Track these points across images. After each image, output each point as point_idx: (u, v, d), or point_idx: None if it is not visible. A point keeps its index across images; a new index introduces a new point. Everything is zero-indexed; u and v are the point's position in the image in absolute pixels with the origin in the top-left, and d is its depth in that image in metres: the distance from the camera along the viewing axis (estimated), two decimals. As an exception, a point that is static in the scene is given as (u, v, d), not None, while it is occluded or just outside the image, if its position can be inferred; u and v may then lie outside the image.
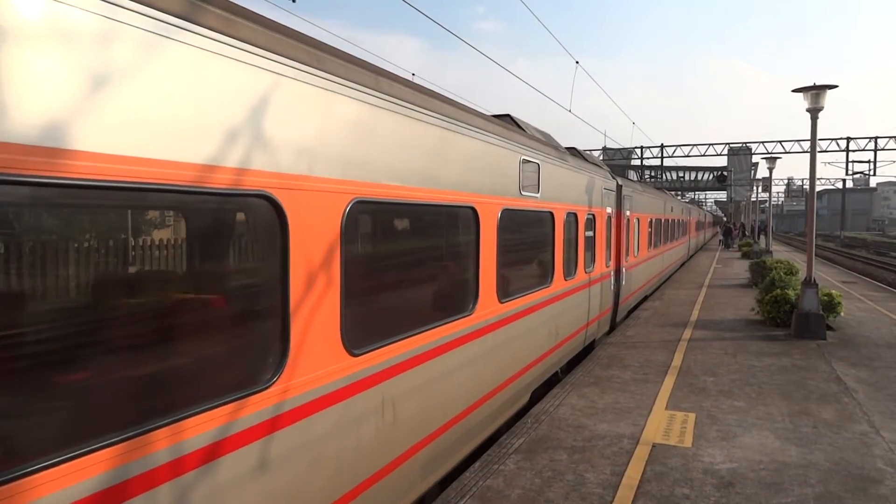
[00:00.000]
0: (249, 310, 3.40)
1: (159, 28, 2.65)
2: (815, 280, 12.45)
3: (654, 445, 6.49)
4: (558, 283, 8.74)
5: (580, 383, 8.91)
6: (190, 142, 2.81)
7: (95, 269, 2.75)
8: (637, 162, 49.30)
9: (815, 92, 12.04)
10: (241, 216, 3.47)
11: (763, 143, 46.01)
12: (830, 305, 13.05)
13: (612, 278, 12.82)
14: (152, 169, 2.64)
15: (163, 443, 2.70)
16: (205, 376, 3.14)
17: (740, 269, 27.88)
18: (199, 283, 3.20)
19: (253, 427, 3.21)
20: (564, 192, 9.03)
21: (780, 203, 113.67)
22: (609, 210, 12.37)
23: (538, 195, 7.81)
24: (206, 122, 2.90)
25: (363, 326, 4.25)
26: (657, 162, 48.98)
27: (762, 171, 41.53)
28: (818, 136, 12.65)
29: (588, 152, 13.99)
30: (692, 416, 7.46)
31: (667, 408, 7.77)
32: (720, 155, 47.95)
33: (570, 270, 9.37)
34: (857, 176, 51.92)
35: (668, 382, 8.96)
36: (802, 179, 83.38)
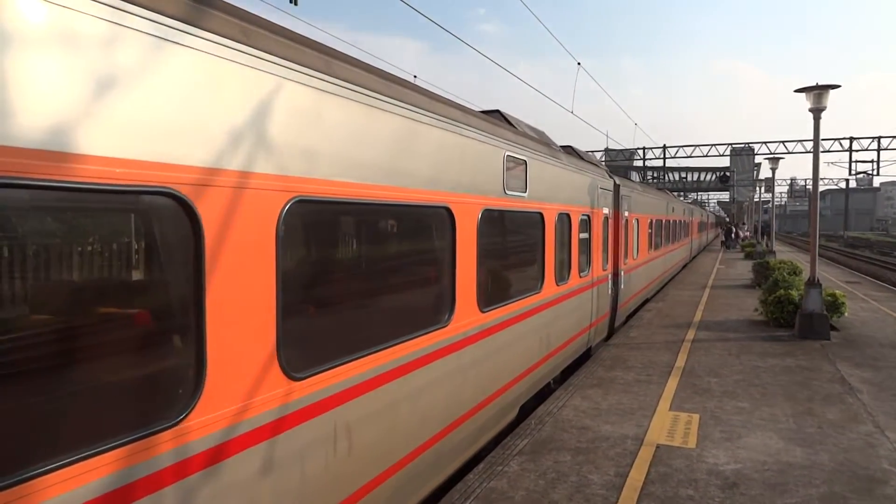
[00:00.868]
0: (147, 333, 2.83)
1: None
2: (818, 280, 12.42)
3: (658, 447, 6.48)
4: (549, 288, 8.22)
5: (583, 385, 8.90)
6: (66, 126, 2.31)
7: None
8: (640, 163, 49.29)
9: (818, 92, 12.02)
10: (136, 219, 2.86)
11: (766, 143, 46.01)
12: (834, 306, 13.02)
13: (610, 282, 12.37)
14: (9, 159, 2.14)
15: None
16: (84, 417, 2.54)
17: (743, 269, 27.82)
18: (78, 302, 2.61)
19: (155, 474, 2.65)
20: (556, 191, 8.55)
21: (783, 203, 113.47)
22: (606, 211, 11.92)
23: (525, 194, 7.29)
24: (88, 101, 2.38)
25: (309, 346, 3.78)
26: (660, 163, 48.99)
27: (765, 172, 41.47)
28: (821, 136, 12.64)
29: (589, 152, 13.90)
30: (696, 417, 7.44)
31: (671, 409, 7.76)
32: (723, 155, 47.99)
33: (562, 275, 8.88)
34: (861, 176, 51.79)
35: (672, 383, 8.94)
36: (805, 179, 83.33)
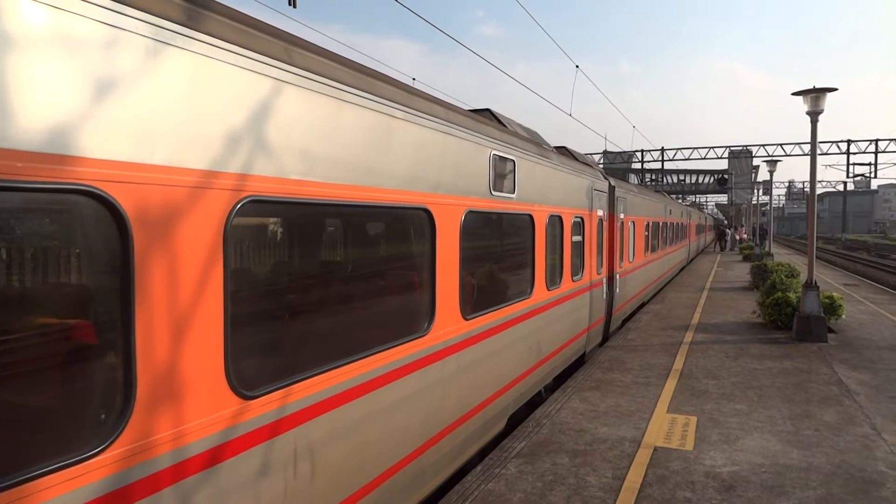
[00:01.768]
0: (60, 351, 2.52)
1: None
2: (816, 283, 12.45)
3: (655, 449, 6.49)
4: (540, 293, 7.93)
5: (581, 387, 8.91)
6: None
7: None
8: (638, 165, 49.38)
9: (815, 95, 12.06)
10: (49, 220, 2.58)
11: (763, 145, 46.14)
12: (832, 308, 13.05)
13: (605, 286, 12.08)
14: None
15: None
16: None
17: (741, 272, 27.86)
18: None
19: None
20: (547, 192, 8.24)
21: (780, 206, 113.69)
22: (601, 213, 11.62)
23: (514, 195, 6.97)
24: None
25: (264, 361, 3.52)
26: (658, 165, 49.09)
27: (763, 174, 41.59)
28: (819, 139, 12.67)
29: (587, 154, 13.84)
30: (693, 419, 7.45)
31: (668, 411, 7.77)
32: (721, 158, 48.09)
33: (553, 279, 8.58)
34: (858, 178, 51.94)
35: (670, 386, 8.95)
36: (803, 182, 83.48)
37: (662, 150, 47.83)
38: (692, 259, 37.09)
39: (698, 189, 55.27)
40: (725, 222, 75.58)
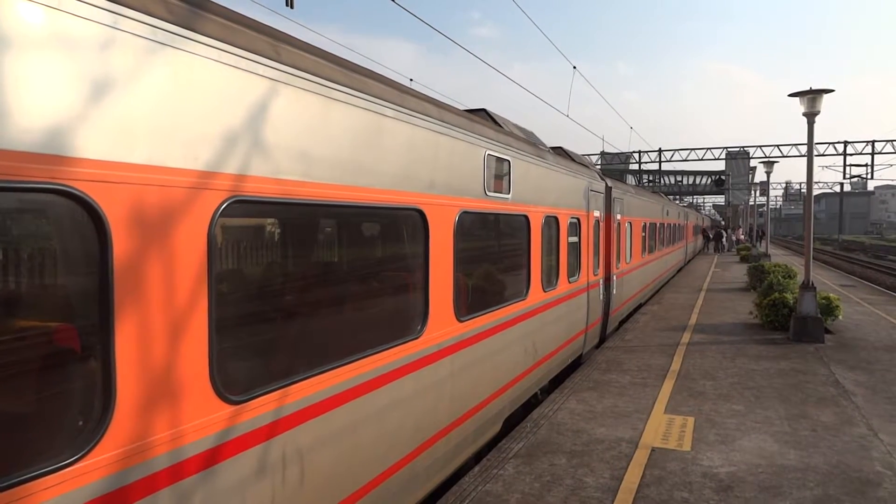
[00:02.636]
0: (36, 356, 2.47)
1: None
2: (813, 283, 12.47)
3: (653, 449, 6.49)
4: (535, 294, 7.86)
5: (579, 388, 8.91)
6: None
7: None
8: (635, 166, 49.45)
9: (812, 96, 12.09)
10: (25, 221, 2.51)
11: (761, 147, 46.24)
12: (828, 309, 13.08)
13: (602, 287, 12.04)
14: None
15: None
16: None
17: (739, 272, 27.91)
18: None
19: None
20: (543, 193, 8.18)
21: (777, 207, 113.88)
22: (597, 213, 11.59)
23: (509, 196, 6.91)
24: None
25: (251, 365, 3.44)
26: (655, 166, 49.17)
27: (760, 175, 41.65)
28: (815, 140, 12.70)
29: (585, 155, 13.80)
30: (691, 419, 7.46)
31: (665, 412, 7.77)
32: (718, 159, 48.21)
33: (549, 280, 8.52)
34: (855, 179, 52.05)
35: (667, 386, 8.96)
36: (800, 183, 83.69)
37: (660, 151, 47.93)
38: (689, 260, 37.15)
39: (695, 190, 55.39)
40: (723, 223, 75.68)
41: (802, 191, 74.84)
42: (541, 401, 8.63)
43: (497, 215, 6.76)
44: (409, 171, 4.79)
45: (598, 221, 11.73)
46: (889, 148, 42.88)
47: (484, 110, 8.00)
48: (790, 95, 12.39)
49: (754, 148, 47.21)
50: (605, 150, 48.54)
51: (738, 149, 48.73)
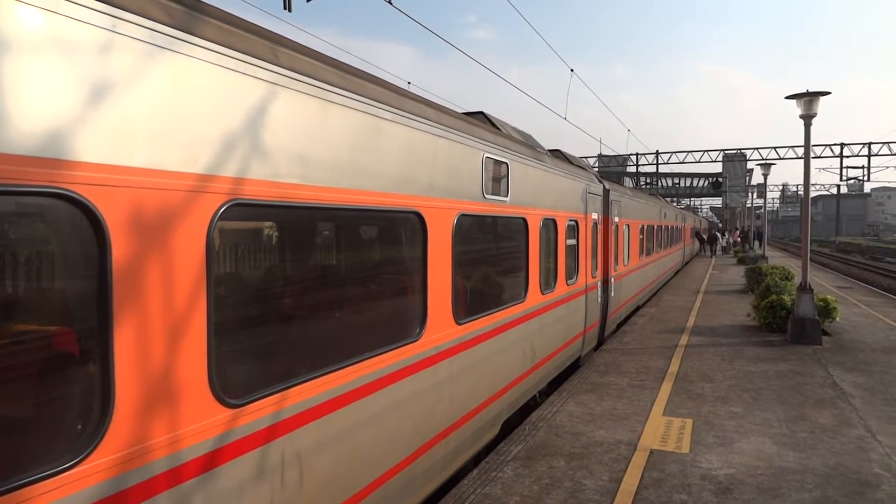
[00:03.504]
0: (36, 360, 2.46)
1: None
2: (810, 285, 12.49)
3: (651, 452, 6.49)
4: (534, 297, 7.86)
5: (577, 390, 8.91)
6: None
7: None
8: (633, 169, 49.51)
9: (809, 99, 12.12)
10: (24, 225, 2.51)
11: (758, 149, 46.31)
12: (826, 311, 13.11)
13: (600, 289, 12.06)
14: None
15: None
16: None
17: (736, 275, 27.94)
18: None
19: None
20: (541, 195, 8.16)
21: (775, 209, 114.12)
22: (595, 216, 11.59)
23: (507, 199, 6.93)
24: None
25: (250, 368, 3.45)
26: (653, 169, 49.23)
27: (757, 178, 41.77)
28: (812, 143, 12.73)
29: (582, 158, 13.82)
30: (689, 422, 7.46)
31: (664, 414, 7.78)
32: (715, 161, 48.27)
33: (548, 283, 8.52)
34: (852, 181, 52.20)
35: (666, 388, 8.96)
36: (797, 185, 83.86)
37: (657, 153, 47.98)
38: (687, 262, 37.21)
39: (693, 192, 55.46)
40: (720, 225, 75.77)
41: (799, 193, 75.04)
42: (539, 403, 8.63)
43: (495, 218, 6.77)
44: (408, 174, 4.79)
45: (595, 224, 11.75)
46: (885, 150, 42.99)
47: (482, 113, 8.01)
48: (787, 98, 12.43)
49: (751, 150, 47.33)
50: (603, 153, 48.58)
51: (735, 151, 48.83)
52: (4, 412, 2.37)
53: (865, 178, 45.72)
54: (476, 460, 6.55)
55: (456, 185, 5.65)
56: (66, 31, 2.35)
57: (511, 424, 7.52)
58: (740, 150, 48.59)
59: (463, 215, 5.76)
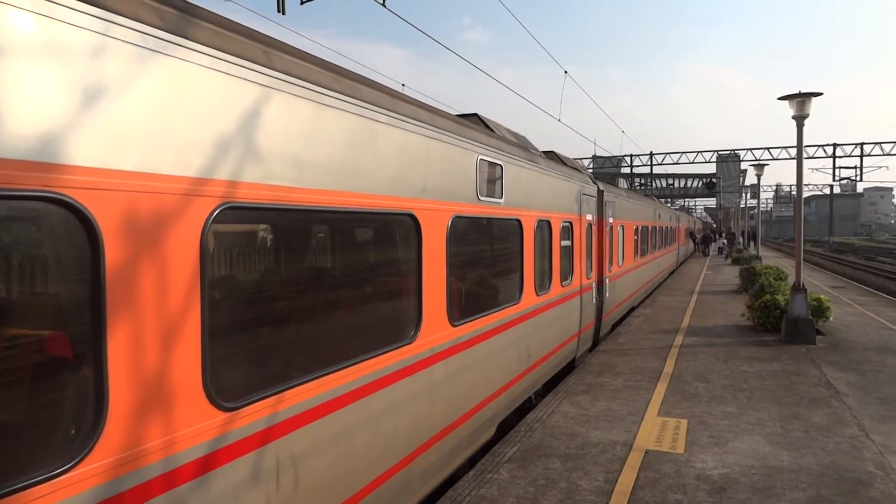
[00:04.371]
0: (27, 365, 2.43)
1: None
2: (803, 285, 12.56)
3: (646, 452, 6.51)
4: (529, 299, 7.89)
5: (572, 391, 8.92)
6: None
7: None
8: (627, 170, 49.64)
9: (801, 99, 12.19)
10: (17, 229, 2.47)
11: (751, 149, 46.47)
12: (819, 310, 13.17)
13: (594, 290, 12.07)
14: None
15: None
16: None
17: (730, 275, 28.04)
18: None
19: None
20: (535, 197, 8.18)
21: (768, 209, 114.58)
22: (590, 217, 11.62)
23: (501, 200, 6.94)
24: None
25: (244, 371, 3.45)
26: (647, 170, 49.37)
27: (751, 178, 41.94)
28: (805, 143, 12.81)
29: (577, 159, 13.85)
30: (684, 422, 7.48)
31: (659, 414, 7.80)
32: (709, 162, 48.46)
33: (542, 284, 8.55)
34: (844, 181, 52.45)
35: (661, 389, 8.99)
36: (790, 185, 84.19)
37: (651, 154, 48.11)
38: (681, 263, 37.31)
39: (687, 193, 55.68)
40: (714, 225, 75.99)
41: (793, 193, 75.34)
42: (535, 405, 8.63)
43: (490, 219, 6.78)
44: (402, 176, 4.80)
45: (590, 225, 11.77)
46: (878, 150, 43.25)
47: (476, 115, 8.01)
48: (779, 99, 12.50)
49: (745, 151, 47.53)
50: (597, 154, 48.70)
51: (728, 152, 49.04)
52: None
53: (858, 178, 45.95)
54: (472, 462, 6.55)
55: (450, 187, 5.65)
56: (58, 35, 2.34)
57: (507, 426, 7.52)
58: (734, 150, 48.83)
59: (457, 217, 5.77)
